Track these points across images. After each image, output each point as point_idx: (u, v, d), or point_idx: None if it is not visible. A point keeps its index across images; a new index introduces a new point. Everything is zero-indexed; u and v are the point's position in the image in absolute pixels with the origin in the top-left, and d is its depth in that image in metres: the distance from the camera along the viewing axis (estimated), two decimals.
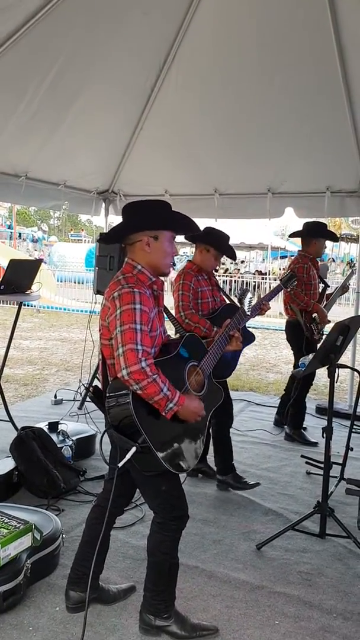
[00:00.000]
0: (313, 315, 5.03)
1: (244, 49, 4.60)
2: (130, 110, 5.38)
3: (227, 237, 3.98)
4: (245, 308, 2.86)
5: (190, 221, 2.44)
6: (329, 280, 19.94)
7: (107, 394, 2.25)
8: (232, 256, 4.16)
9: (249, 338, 4.09)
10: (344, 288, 5.44)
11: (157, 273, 2.39)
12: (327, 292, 5.32)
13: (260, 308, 4.06)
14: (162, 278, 2.44)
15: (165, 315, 2.54)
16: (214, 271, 4.13)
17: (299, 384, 4.96)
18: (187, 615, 2.52)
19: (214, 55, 4.74)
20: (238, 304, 3.01)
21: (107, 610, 2.62)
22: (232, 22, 4.43)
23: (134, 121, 5.53)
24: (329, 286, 5.42)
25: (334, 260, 27.65)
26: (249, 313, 2.91)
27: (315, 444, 5.07)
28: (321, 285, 5.25)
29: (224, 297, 4.14)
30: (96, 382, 3.74)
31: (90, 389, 2.44)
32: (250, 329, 4.15)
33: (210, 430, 4.09)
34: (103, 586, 2.68)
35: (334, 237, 5.46)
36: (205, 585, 2.87)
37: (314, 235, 5.12)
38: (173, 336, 2.60)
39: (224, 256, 4.22)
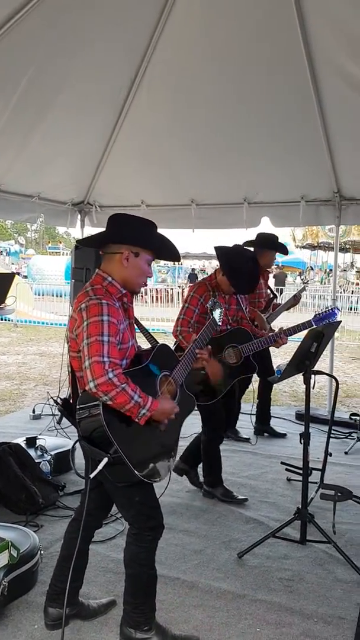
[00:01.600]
0: (255, 323, 5.02)
1: (216, 62, 4.64)
2: (103, 122, 5.39)
3: (251, 273, 3.76)
4: (217, 318, 2.86)
5: (173, 247, 2.46)
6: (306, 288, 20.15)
7: (77, 406, 2.24)
8: (243, 292, 3.87)
9: (249, 368, 3.98)
10: (295, 298, 5.50)
11: (127, 289, 2.39)
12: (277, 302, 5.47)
13: (275, 341, 3.94)
14: None
15: (136, 327, 2.54)
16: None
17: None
18: (168, 626, 2.50)
19: (186, 67, 4.78)
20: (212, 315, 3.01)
21: (88, 625, 2.58)
22: (202, 36, 4.48)
23: (108, 133, 5.55)
24: (276, 296, 5.52)
25: (312, 269, 27.95)
26: (219, 323, 2.92)
27: (247, 440, 5.39)
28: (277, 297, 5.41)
29: (244, 316, 4.03)
30: None
31: (59, 401, 2.42)
32: None
33: (201, 445, 4.09)
34: (83, 601, 2.64)
35: (284, 250, 5.48)
36: (187, 596, 2.85)
37: (266, 246, 5.18)
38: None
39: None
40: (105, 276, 2.34)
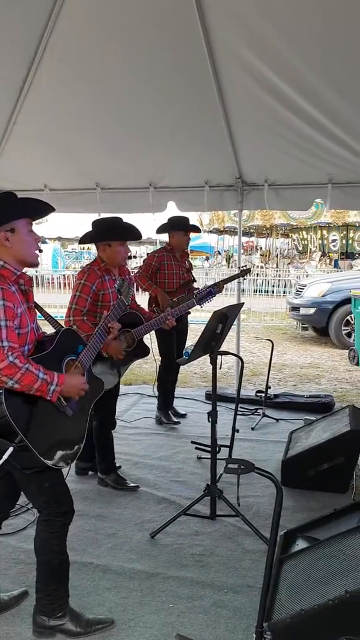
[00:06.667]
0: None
1: (117, 44, 4.57)
2: (1, 104, 5.17)
3: (117, 220, 3.79)
4: (124, 298, 2.88)
5: (43, 203, 2.41)
6: (213, 272, 20.56)
7: None
8: (136, 236, 3.79)
9: (142, 351, 4.00)
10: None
11: (24, 265, 2.35)
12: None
13: (164, 322, 4.03)
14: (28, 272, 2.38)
15: (39, 313, 2.49)
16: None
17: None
18: (82, 611, 2.51)
19: (87, 49, 4.67)
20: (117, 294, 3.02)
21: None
22: (102, 16, 4.40)
23: (6, 115, 5.32)
24: (195, 280, 5.63)
25: (219, 253, 28.52)
26: (127, 303, 2.94)
27: (177, 423, 5.44)
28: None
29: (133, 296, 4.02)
30: None
31: None
32: None
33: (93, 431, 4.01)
34: None
35: (194, 229, 5.61)
36: (100, 579, 2.87)
37: (174, 227, 5.39)
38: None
39: None
40: None
